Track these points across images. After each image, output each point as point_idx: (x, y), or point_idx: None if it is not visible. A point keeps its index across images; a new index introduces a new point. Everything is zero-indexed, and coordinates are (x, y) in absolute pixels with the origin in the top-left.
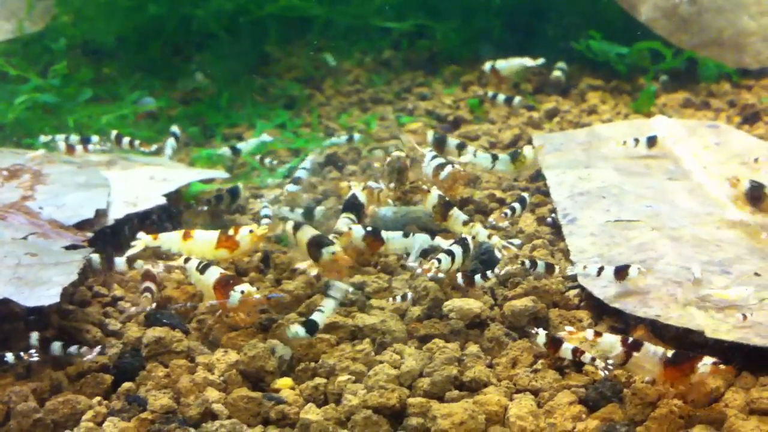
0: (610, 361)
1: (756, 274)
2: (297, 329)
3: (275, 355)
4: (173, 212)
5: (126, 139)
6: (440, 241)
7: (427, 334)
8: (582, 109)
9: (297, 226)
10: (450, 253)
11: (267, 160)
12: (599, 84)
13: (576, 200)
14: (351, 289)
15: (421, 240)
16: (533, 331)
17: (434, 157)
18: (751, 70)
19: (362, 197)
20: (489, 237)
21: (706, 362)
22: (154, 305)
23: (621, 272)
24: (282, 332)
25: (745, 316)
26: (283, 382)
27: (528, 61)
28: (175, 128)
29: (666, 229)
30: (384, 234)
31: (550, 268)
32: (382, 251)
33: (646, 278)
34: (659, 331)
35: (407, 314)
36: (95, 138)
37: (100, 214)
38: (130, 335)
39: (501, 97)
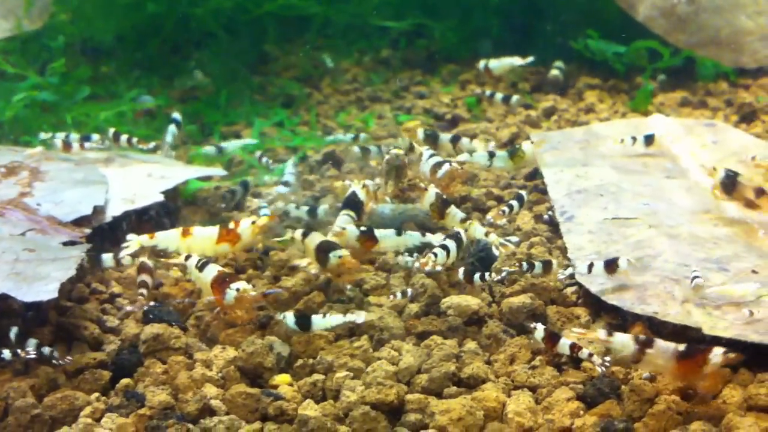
0: (606, 358)
1: (753, 271)
2: (289, 318)
3: (273, 352)
4: (171, 209)
5: (124, 137)
6: (431, 238)
7: (425, 330)
8: (579, 108)
9: (305, 234)
10: (445, 247)
11: (264, 159)
12: (597, 83)
13: (574, 198)
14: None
15: (412, 238)
16: (531, 326)
17: (432, 156)
18: (749, 70)
19: (362, 195)
20: (486, 234)
21: (717, 352)
22: (151, 303)
23: (611, 266)
24: (279, 326)
25: (751, 312)
26: (282, 379)
27: (517, 60)
28: (176, 115)
29: (663, 226)
30: (377, 233)
31: (547, 266)
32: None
33: (640, 271)
34: (656, 328)
35: (405, 311)
36: (95, 136)
37: (98, 210)
38: (128, 332)
39: (499, 95)
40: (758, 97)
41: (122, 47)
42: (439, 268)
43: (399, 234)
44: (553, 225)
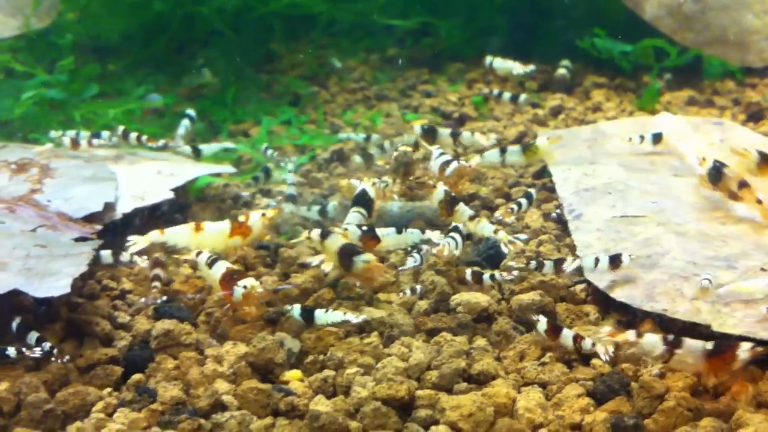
0: (611, 348)
1: (762, 269)
2: (295, 310)
3: (284, 348)
4: (182, 205)
5: (133, 135)
6: (431, 235)
7: (435, 327)
8: (586, 107)
9: (324, 234)
10: (454, 239)
11: (269, 152)
12: (604, 81)
13: (581, 196)
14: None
15: (413, 235)
16: (534, 318)
17: (441, 154)
18: (756, 68)
19: (372, 192)
20: (495, 232)
21: (745, 348)
22: (164, 298)
23: (615, 261)
24: (288, 319)
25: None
26: (292, 375)
27: (518, 68)
28: (190, 111)
29: (671, 224)
30: (379, 232)
31: (558, 264)
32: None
33: (648, 269)
34: (665, 325)
35: (415, 308)
36: (105, 134)
37: (108, 207)
38: (139, 328)
39: (507, 94)
40: (765, 96)
41: (129, 45)
42: (457, 252)
43: (400, 232)
44: (562, 223)
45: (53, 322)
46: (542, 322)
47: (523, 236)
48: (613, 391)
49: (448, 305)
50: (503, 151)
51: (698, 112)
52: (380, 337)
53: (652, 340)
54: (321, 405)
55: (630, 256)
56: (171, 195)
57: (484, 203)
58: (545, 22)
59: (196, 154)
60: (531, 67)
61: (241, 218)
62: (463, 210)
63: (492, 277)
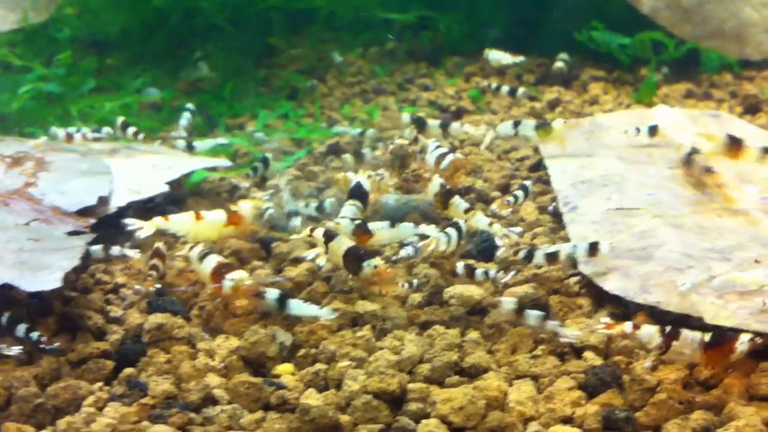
0: (576, 332)
1: (756, 261)
2: (271, 294)
3: (276, 342)
4: (178, 198)
5: (131, 129)
6: (425, 229)
7: (428, 320)
8: (584, 100)
9: (329, 236)
10: (446, 234)
11: (257, 135)
12: (601, 75)
13: (578, 188)
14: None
15: (406, 229)
16: (499, 300)
17: (437, 147)
18: (753, 61)
19: (367, 185)
20: (490, 225)
21: (743, 339)
22: (158, 286)
23: (593, 249)
24: (263, 301)
25: (765, 302)
26: (284, 368)
27: (506, 58)
28: (189, 105)
29: (667, 216)
30: (371, 226)
31: (551, 256)
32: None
33: (643, 261)
34: (659, 317)
35: (408, 301)
36: (106, 129)
37: (103, 201)
38: (131, 321)
39: (505, 88)
40: (763, 89)
41: (128, 40)
42: (443, 247)
43: (393, 226)
44: (557, 216)
45: (46, 316)
46: (508, 302)
47: (517, 229)
48: (604, 384)
49: (442, 298)
50: (517, 123)
51: (696, 105)
52: (373, 330)
53: (649, 332)
54: (312, 399)
55: (610, 243)
56: (166, 188)
57: (480, 196)
58: (543, 16)
59: (190, 150)
60: (520, 58)
61: (234, 208)
62: (459, 203)
63: (486, 273)
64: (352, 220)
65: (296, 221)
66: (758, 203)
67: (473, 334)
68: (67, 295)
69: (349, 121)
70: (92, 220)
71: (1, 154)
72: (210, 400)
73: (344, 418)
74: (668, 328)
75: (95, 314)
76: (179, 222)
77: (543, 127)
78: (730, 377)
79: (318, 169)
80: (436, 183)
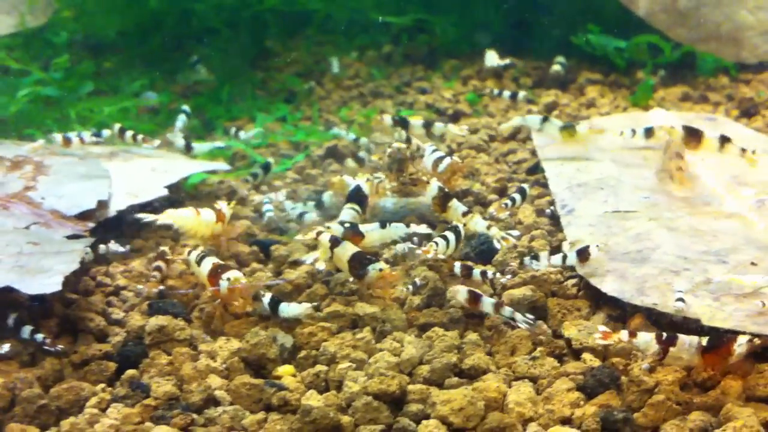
0: (529, 316)
1: (752, 263)
2: (265, 299)
3: (277, 343)
4: (176, 201)
5: (129, 133)
6: (416, 229)
7: (427, 322)
8: (581, 103)
9: (335, 242)
10: (445, 238)
11: (233, 130)
12: (598, 78)
13: (574, 191)
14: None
15: (398, 230)
16: (453, 289)
17: (434, 150)
18: (749, 64)
19: (366, 188)
20: (488, 228)
21: (741, 342)
22: (160, 287)
23: (583, 253)
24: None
25: (764, 303)
26: (285, 370)
27: (493, 60)
28: (185, 107)
29: (663, 219)
30: (362, 228)
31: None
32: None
33: (639, 263)
34: (655, 319)
35: (407, 303)
36: (106, 133)
37: (102, 204)
38: (133, 324)
39: (506, 93)
40: (759, 92)
41: (125, 43)
42: (441, 255)
43: (384, 227)
44: (554, 218)
45: (48, 318)
46: (462, 292)
47: (515, 232)
48: (603, 385)
49: (441, 300)
50: (545, 119)
51: (692, 108)
52: (372, 332)
53: (646, 339)
54: (313, 400)
55: (597, 246)
56: (165, 192)
57: (477, 199)
58: (540, 19)
59: (188, 150)
60: (507, 61)
61: (217, 206)
62: (457, 206)
63: (483, 274)
64: (342, 223)
65: (311, 216)
66: (754, 206)
67: (472, 336)
68: (69, 297)
69: (347, 124)
70: (91, 224)
71: (1, 158)
72: (212, 401)
73: (345, 419)
74: (665, 335)
75: (97, 316)
76: (182, 216)
77: (568, 128)
78: (728, 378)
79: (316, 172)
80: (434, 186)
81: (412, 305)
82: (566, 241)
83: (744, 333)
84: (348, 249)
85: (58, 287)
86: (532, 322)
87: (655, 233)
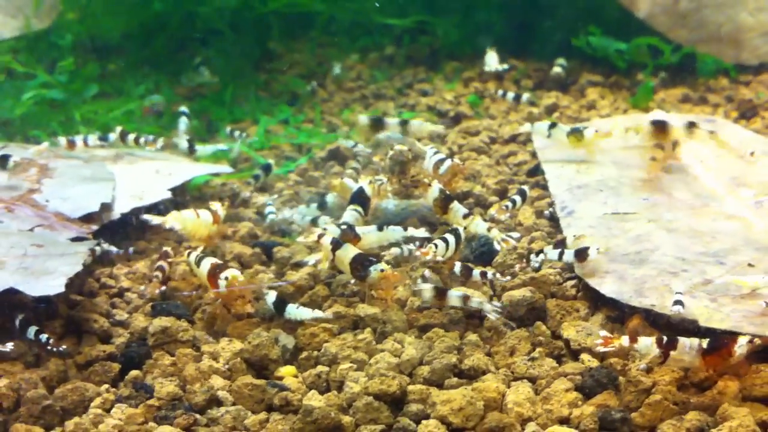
0: (496, 303)
1: (750, 264)
2: (269, 297)
3: (279, 344)
4: (180, 204)
5: (131, 136)
6: (413, 232)
7: (427, 323)
8: (581, 105)
9: (336, 244)
10: (445, 240)
11: (236, 133)
12: (598, 80)
13: (574, 193)
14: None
15: (394, 232)
16: (418, 287)
17: (435, 153)
18: (749, 66)
19: (369, 190)
20: (489, 230)
21: (742, 342)
22: (163, 288)
23: (581, 254)
24: (261, 304)
25: (767, 303)
26: (287, 370)
27: (494, 62)
28: (183, 108)
29: (662, 220)
30: (359, 230)
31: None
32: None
33: (638, 265)
34: (653, 319)
35: (407, 304)
36: (112, 136)
37: (105, 207)
38: (136, 325)
39: (510, 95)
40: (758, 93)
41: (129, 45)
42: (440, 258)
43: (380, 230)
44: (554, 220)
45: (52, 320)
46: (427, 288)
47: (515, 234)
48: (601, 386)
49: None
50: (553, 125)
51: (692, 110)
52: (373, 333)
53: (647, 344)
54: (314, 400)
55: (597, 248)
56: (169, 195)
57: (478, 201)
58: (541, 21)
59: (191, 152)
60: (505, 66)
61: (213, 207)
62: (458, 208)
63: (483, 274)
64: (339, 225)
65: (325, 218)
66: (752, 207)
67: (472, 337)
68: (73, 299)
69: (349, 126)
70: (95, 227)
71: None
72: (214, 401)
73: (346, 419)
74: (665, 338)
75: (100, 318)
76: (184, 218)
77: (575, 133)
78: (724, 379)
79: (318, 174)
80: (435, 188)
81: (412, 306)
82: (570, 237)
83: (741, 334)
84: (350, 251)
85: (62, 289)
86: (500, 309)
87: (654, 235)
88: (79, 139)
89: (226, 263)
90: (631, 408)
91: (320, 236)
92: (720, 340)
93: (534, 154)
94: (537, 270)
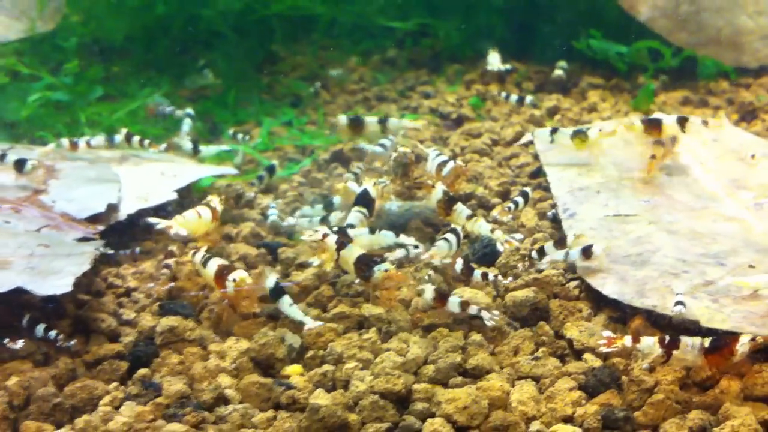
0: (495, 312)
1: (750, 266)
2: (270, 281)
3: (285, 343)
4: (185, 205)
5: (136, 138)
6: (404, 239)
7: (432, 323)
8: (582, 107)
9: (341, 244)
10: (447, 241)
11: (239, 136)
12: (599, 82)
13: (576, 195)
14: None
15: (386, 237)
16: (420, 288)
17: (438, 155)
18: (749, 69)
19: (373, 192)
20: (492, 231)
21: (744, 342)
22: (171, 284)
23: (586, 252)
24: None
25: None
26: (293, 369)
27: (493, 65)
28: (189, 110)
29: (663, 222)
30: (351, 232)
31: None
32: None
33: (639, 266)
34: (655, 320)
35: (412, 304)
36: (118, 138)
37: (111, 208)
38: (144, 324)
39: (513, 97)
40: (758, 96)
41: (133, 47)
42: (447, 260)
43: (372, 233)
44: (557, 222)
45: (61, 319)
46: (429, 290)
47: (518, 235)
48: (604, 385)
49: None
50: (555, 131)
51: (692, 112)
52: (378, 333)
53: (649, 344)
54: (321, 398)
55: (602, 248)
56: (175, 196)
57: (481, 202)
58: (542, 24)
59: (195, 153)
60: (507, 66)
61: (211, 203)
62: (461, 210)
63: (484, 275)
64: (331, 227)
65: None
66: (752, 209)
67: (476, 337)
68: (81, 299)
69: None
70: (101, 227)
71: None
72: (222, 399)
73: (352, 417)
74: (667, 338)
75: (108, 317)
76: (187, 219)
77: (579, 135)
78: (726, 378)
79: (322, 175)
80: (438, 190)
81: (416, 306)
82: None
83: (741, 334)
84: (354, 251)
85: (69, 288)
86: (498, 318)
87: (655, 236)
88: (82, 141)
89: (232, 264)
90: (634, 407)
91: (324, 236)
92: (722, 340)
93: (536, 157)
94: (541, 271)
